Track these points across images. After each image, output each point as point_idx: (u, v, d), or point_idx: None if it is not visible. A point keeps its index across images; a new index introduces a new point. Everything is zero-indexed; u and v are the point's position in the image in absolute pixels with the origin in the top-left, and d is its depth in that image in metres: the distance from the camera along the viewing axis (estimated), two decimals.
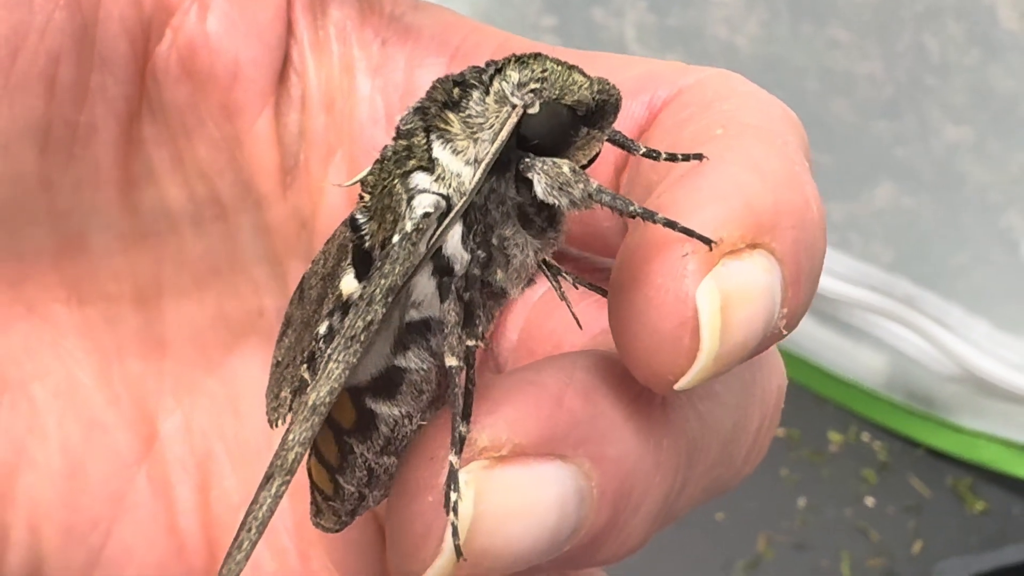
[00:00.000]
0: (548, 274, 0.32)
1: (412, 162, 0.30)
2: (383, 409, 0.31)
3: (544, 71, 0.29)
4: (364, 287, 0.29)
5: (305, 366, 0.33)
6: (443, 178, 0.30)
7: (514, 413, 0.28)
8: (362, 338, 0.29)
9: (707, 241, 0.27)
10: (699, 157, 0.29)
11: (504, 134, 0.29)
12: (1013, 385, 0.90)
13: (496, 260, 0.30)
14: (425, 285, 0.30)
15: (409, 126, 0.30)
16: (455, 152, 0.30)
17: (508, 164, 0.30)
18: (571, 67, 0.29)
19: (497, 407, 0.29)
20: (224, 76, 0.36)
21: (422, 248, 0.29)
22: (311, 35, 0.38)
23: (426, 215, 0.29)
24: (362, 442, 0.32)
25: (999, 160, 0.87)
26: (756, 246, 0.28)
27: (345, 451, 0.32)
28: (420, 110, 0.30)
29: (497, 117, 0.29)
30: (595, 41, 0.96)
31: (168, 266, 0.37)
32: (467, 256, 0.30)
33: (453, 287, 0.30)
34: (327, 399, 0.29)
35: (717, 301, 0.27)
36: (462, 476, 0.28)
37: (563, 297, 0.32)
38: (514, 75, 0.29)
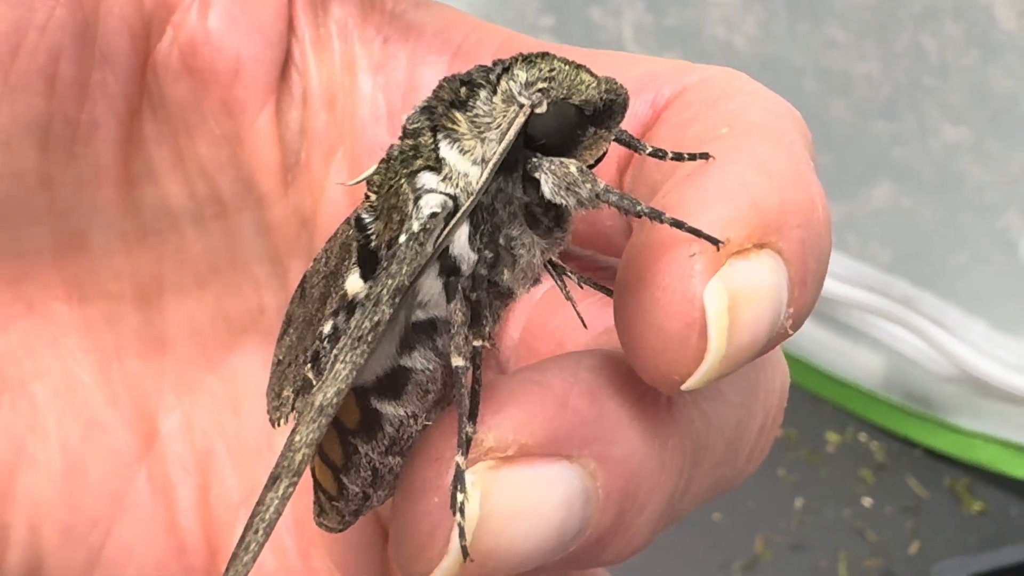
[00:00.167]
0: (553, 273, 0.32)
1: (419, 162, 0.30)
2: (388, 409, 0.31)
3: (552, 70, 0.29)
4: (370, 287, 0.29)
5: (309, 365, 0.32)
6: (450, 178, 0.29)
7: (520, 414, 0.28)
8: (369, 339, 0.29)
9: (714, 241, 0.27)
10: (705, 156, 0.29)
11: (511, 134, 0.29)
12: (1011, 386, 0.90)
13: (503, 260, 0.30)
14: (431, 285, 0.30)
15: (416, 125, 0.30)
16: (462, 152, 0.29)
17: (515, 164, 0.29)
18: (579, 66, 0.29)
19: (503, 407, 0.28)
20: (225, 73, 0.36)
21: (429, 248, 0.29)
22: (312, 32, 0.37)
23: (433, 215, 0.29)
24: (367, 442, 0.32)
25: (997, 160, 0.87)
26: (763, 246, 0.28)
27: (350, 451, 0.32)
28: (427, 109, 0.30)
29: (504, 117, 0.29)
30: (593, 41, 0.96)
31: (168, 264, 0.37)
32: (474, 256, 0.30)
33: (460, 287, 0.30)
34: (334, 400, 0.29)
35: (725, 301, 0.27)
36: (468, 477, 0.28)
37: (568, 296, 0.32)
38: (522, 74, 0.29)
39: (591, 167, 0.30)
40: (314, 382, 0.32)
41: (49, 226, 0.35)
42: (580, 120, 0.29)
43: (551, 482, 0.28)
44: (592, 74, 0.29)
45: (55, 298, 0.36)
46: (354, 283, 0.31)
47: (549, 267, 0.32)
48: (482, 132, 0.29)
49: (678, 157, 0.30)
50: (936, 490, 0.95)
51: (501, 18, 0.97)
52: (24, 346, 0.35)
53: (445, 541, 0.28)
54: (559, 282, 0.32)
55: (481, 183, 0.29)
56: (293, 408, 0.34)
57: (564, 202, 0.29)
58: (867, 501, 0.94)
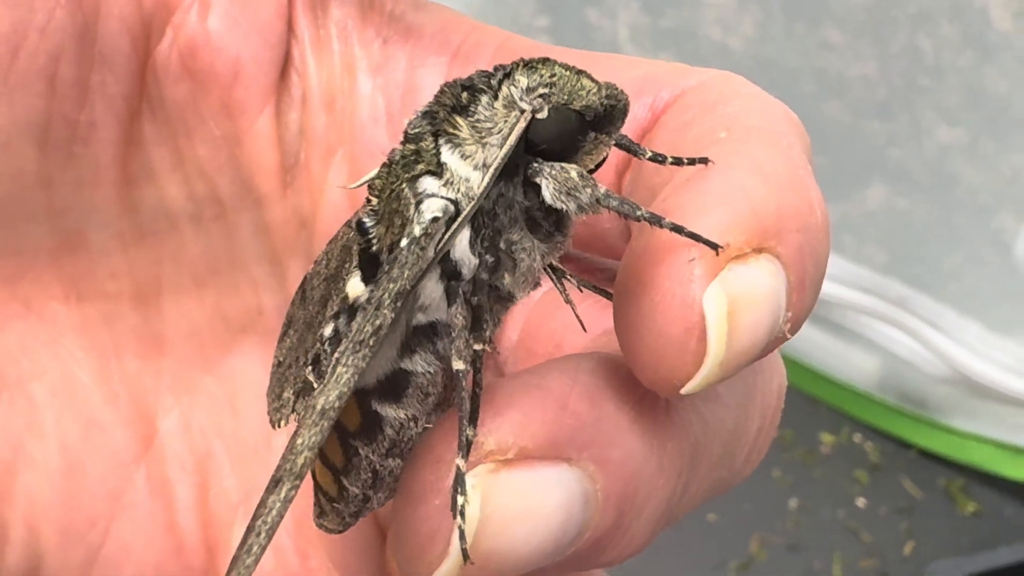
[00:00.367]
0: (553, 277, 0.32)
1: (420, 166, 0.30)
2: (389, 412, 0.31)
3: (553, 76, 0.29)
4: (372, 291, 0.29)
5: (310, 368, 0.32)
6: (451, 182, 0.30)
7: (520, 417, 0.29)
8: (371, 343, 0.29)
9: (714, 246, 0.27)
10: (704, 161, 0.29)
11: (513, 139, 0.29)
12: (1005, 387, 0.91)
13: (504, 264, 0.30)
14: (432, 289, 0.30)
15: (417, 130, 0.30)
16: (464, 156, 0.29)
17: (516, 169, 0.30)
18: (579, 72, 0.29)
19: (503, 411, 0.29)
20: (225, 75, 0.36)
21: (430, 252, 0.29)
22: (312, 34, 0.37)
23: (435, 219, 0.29)
24: (367, 445, 0.32)
25: (992, 161, 0.87)
26: (762, 251, 0.28)
27: (350, 453, 0.32)
28: (428, 114, 0.30)
29: (506, 122, 0.29)
30: (589, 42, 0.96)
31: (167, 265, 0.37)
32: (475, 260, 0.30)
33: (461, 291, 0.30)
34: (336, 403, 0.29)
35: (724, 306, 0.27)
36: (469, 479, 0.28)
37: (568, 300, 0.32)
38: (523, 80, 0.29)
39: (591, 172, 0.30)
40: (315, 384, 0.32)
41: (47, 226, 0.35)
42: (581, 125, 0.29)
43: (551, 485, 0.28)
44: (593, 80, 0.29)
45: (53, 297, 0.36)
46: (355, 286, 0.31)
47: (549, 270, 0.32)
48: (483, 137, 0.29)
49: (677, 162, 0.30)
50: (930, 491, 0.95)
51: (496, 19, 0.97)
52: (22, 345, 0.35)
53: (445, 543, 0.28)
54: (559, 285, 0.32)
55: (482, 188, 0.29)
56: (293, 409, 0.34)
57: (565, 207, 0.29)
58: (862, 502, 0.94)
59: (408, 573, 0.29)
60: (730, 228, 0.28)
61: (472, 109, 0.30)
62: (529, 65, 0.29)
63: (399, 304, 0.29)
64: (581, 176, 0.29)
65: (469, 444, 0.28)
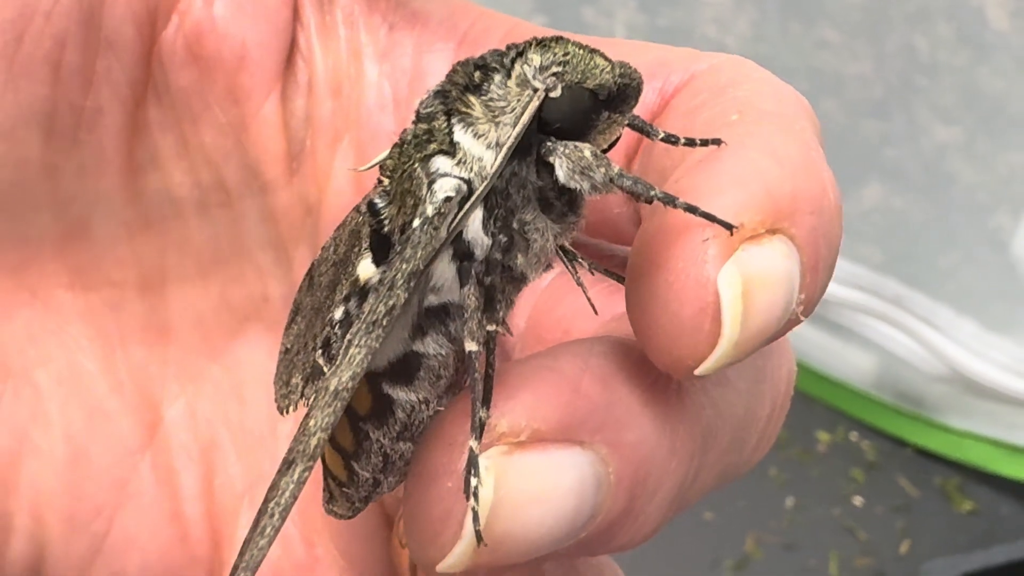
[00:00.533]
0: (564, 259, 0.32)
1: (433, 146, 0.30)
2: (400, 395, 0.31)
3: (566, 54, 0.29)
4: (384, 272, 0.29)
5: (320, 351, 0.32)
6: (464, 162, 0.29)
7: (533, 399, 0.28)
8: (384, 323, 0.29)
9: (728, 226, 0.27)
10: (717, 142, 0.29)
11: (526, 118, 0.29)
12: (1001, 385, 0.91)
13: (516, 244, 0.30)
14: (445, 270, 0.30)
15: (429, 109, 0.30)
16: (476, 136, 0.29)
17: (529, 148, 0.29)
18: (593, 51, 0.29)
19: (516, 393, 0.28)
20: (230, 61, 0.36)
21: (443, 232, 0.29)
22: (318, 20, 0.37)
23: (447, 199, 0.29)
24: (378, 428, 0.32)
25: (988, 160, 0.88)
26: (776, 232, 0.28)
27: (360, 437, 0.32)
28: (441, 93, 0.30)
29: (519, 101, 0.29)
30: None
31: (172, 252, 0.37)
32: (488, 241, 0.30)
33: (473, 272, 0.30)
34: (349, 384, 0.29)
35: (739, 286, 0.27)
36: (482, 461, 0.28)
37: (580, 283, 0.32)
38: (536, 58, 0.29)
39: (604, 152, 0.30)
40: (325, 368, 0.32)
41: (52, 214, 0.35)
42: (594, 104, 0.29)
43: (564, 467, 0.28)
44: (606, 58, 0.29)
45: (58, 286, 0.36)
46: (366, 268, 0.31)
47: (560, 253, 0.32)
48: (496, 116, 0.29)
49: (690, 143, 0.30)
50: (927, 489, 0.95)
51: None
52: (27, 334, 0.35)
53: (459, 526, 0.28)
54: (570, 268, 0.32)
55: (495, 167, 0.29)
56: (302, 396, 0.34)
57: (578, 186, 0.29)
58: (858, 500, 0.94)
59: (421, 556, 0.29)
60: (744, 208, 0.28)
61: (485, 88, 0.29)
62: (542, 43, 0.29)
63: (412, 284, 0.29)
64: (595, 155, 0.29)
65: (482, 426, 0.28)
